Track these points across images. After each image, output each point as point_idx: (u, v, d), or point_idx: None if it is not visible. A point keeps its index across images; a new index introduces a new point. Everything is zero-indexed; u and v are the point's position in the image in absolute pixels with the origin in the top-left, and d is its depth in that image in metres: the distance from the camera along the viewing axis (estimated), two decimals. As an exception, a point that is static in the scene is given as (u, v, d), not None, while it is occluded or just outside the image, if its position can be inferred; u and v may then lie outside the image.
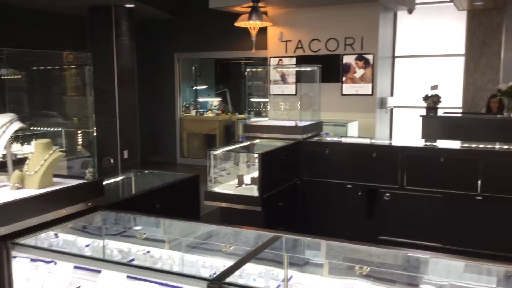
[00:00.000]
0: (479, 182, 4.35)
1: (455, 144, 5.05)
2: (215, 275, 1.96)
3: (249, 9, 7.29)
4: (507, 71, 8.35)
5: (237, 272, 2.44)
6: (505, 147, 4.69)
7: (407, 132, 8.68)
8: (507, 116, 6.00)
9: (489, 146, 4.67)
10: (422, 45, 9.12)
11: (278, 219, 4.70)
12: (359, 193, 4.88)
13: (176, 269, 2.49)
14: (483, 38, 8.52)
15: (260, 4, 7.36)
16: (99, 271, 2.15)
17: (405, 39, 9.18)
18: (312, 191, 5.12)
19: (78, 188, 2.44)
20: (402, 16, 8.88)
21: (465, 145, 5.01)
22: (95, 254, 2.58)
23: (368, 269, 2.01)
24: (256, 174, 4.48)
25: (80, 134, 3.95)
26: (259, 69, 6.06)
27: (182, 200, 3.33)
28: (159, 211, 3.10)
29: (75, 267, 2.23)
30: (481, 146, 4.72)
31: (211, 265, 2.50)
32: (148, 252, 2.67)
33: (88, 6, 7.63)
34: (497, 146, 4.69)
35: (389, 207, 4.76)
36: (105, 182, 3.40)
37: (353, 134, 7.44)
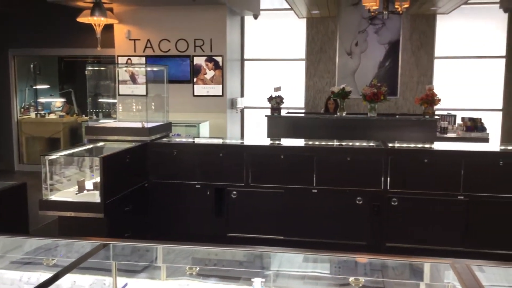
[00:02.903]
0: (315, 176, 4.73)
1: (295, 142, 5.42)
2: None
3: (92, 5, 6.91)
4: (341, 75, 9.25)
5: (67, 285, 2.28)
6: (337, 143, 5.17)
7: (257, 132, 9.09)
8: (340, 116, 6.62)
9: (323, 143, 5.10)
10: (269, 49, 9.64)
11: (124, 225, 4.53)
12: (208, 193, 4.95)
13: (-7, 290, 2.24)
14: (320, 44, 9.31)
15: (104, 0, 7.03)
16: None
17: (253, 42, 9.60)
18: (161, 193, 5.04)
19: None
20: (250, 20, 9.26)
21: (303, 142, 5.40)
22: None
23: (197, 268, 2.03)
24: (99, 179, 4.25)
25: None
26: (101, 68, 5.76)
27: (6, 212, 2.99)
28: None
29: None
30: (316, 143, 5.13)
31: (37, 280, 2.31)
32: (-40, 273, 2.36)
33: None
34: (331, 143, 5.14)
35: (236, 205, 4.91)
36: None
37: (204, 135, 7.53)
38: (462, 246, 4.54)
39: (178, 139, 5.50)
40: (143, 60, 7.81)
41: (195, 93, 7.91)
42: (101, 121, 6.29)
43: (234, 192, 4.90)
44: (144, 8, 7.69)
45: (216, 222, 4.99)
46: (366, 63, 9.20)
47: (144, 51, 7.82)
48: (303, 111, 9.30)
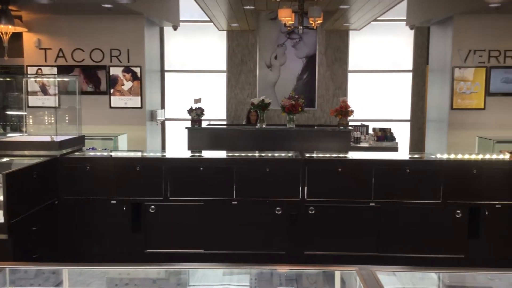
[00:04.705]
0: (234, 188, 4.72)
1: (214, 154, 5.39)
2: None
3: (-3, 11, 6.45)
4: (262, 87, 9.42)
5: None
6: (256, 154, 5.21)
7: (179, 144, 8.96)
8: (260, 127, 6.71)
9: (243, 154, 5.13)
10: (190, 61, 9.58)
11: (33, 246, 4.23)
12: (124, 208, 4.76)
13: None
14: (241, 56, 9.42)
15: (12, 7, 6.59)
16: None
17: (173, 54, 9.49)
18: (73, 210, 4.78)
19: None
20: (169, 31, 9.15)
21: (223, 154, 5.39)
22: None
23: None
24: (2, 197, 3.94)
25: None
26: (7, 79, 5.39)
27: None
28: None
29: None
30: (236, 154, 5.14)
31: None
32: None
33: None
34: (250, 154, 5.17)
35: (155, 220, 4.77)
36: None
37: (123, 148, 7.27)
38: (376, 251, 4.74)
39: (92, 153, 5.26)
40: (54, 70, 7.41)
41: (112, 105, 7.63)
42: (8, 135, 5.87)
43: (152, 206, 4.76)
44: (56, 16, 7.32)
45: (133, 239, 4.81)
46: (285, 75, 9.44)
47: (55, 61, 7.42)
48: (225, 122, 9.33)
